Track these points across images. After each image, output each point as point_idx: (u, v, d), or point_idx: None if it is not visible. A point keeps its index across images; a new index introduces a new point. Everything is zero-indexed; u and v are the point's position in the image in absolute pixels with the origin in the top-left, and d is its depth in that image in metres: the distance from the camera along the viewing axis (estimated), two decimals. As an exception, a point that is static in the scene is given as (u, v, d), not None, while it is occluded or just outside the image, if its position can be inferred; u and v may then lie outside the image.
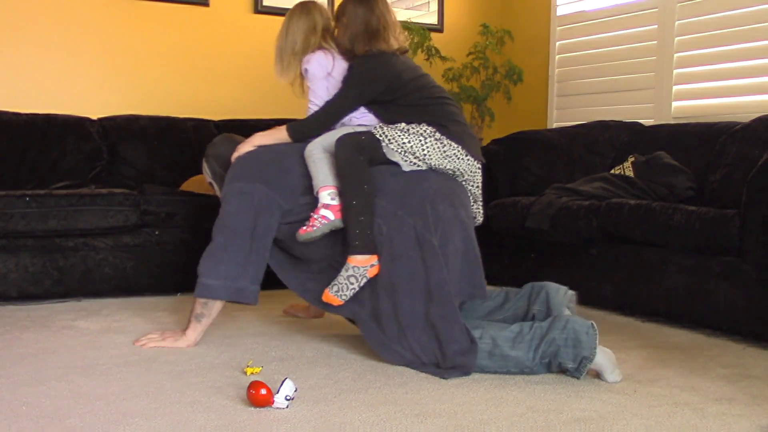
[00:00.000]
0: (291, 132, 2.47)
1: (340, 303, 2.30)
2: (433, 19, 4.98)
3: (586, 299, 3.22)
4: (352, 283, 2.26)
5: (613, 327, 2.85)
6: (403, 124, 2.34)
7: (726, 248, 2.61)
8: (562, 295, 2.33)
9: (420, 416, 1.80)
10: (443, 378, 2.13)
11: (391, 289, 2.25)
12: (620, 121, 4.00)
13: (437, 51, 4.57)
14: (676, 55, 3.98)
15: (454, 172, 2.39)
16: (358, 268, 2.25)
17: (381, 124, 2.38)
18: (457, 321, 2.18)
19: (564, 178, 3.67)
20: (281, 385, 1.85)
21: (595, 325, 2.13)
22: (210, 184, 2.74)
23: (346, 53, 2.49)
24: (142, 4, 4.18)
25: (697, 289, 2.72)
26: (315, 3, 2.62)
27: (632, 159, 3.44)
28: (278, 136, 2.49)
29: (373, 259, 2.26)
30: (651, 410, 1.87)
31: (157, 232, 3.32)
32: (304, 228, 2.34)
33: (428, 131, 2.33)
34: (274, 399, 1.83)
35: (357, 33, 2.42)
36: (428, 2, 4.97)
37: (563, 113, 4.68)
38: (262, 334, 2.65)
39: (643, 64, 4.16)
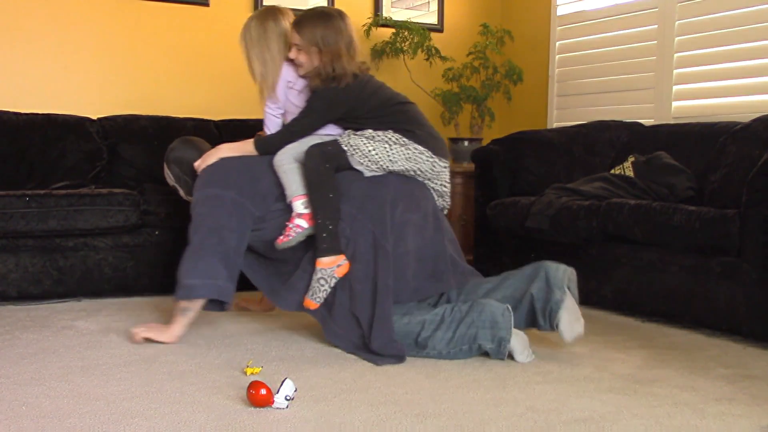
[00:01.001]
0: (258, 146, 2.59)
1: (316, 306, 2.41)
2: (433, 19, 4.98)
3: (586, 299, 3.22)
4: (322, 285, 2.40)
5: (613, 327, 2.85)
6: (370, 131, 2.48)
7: (726, 248, 2.61)
8: (561, 273, 2.39)
9: (420, 416, 1.80)
10: (377, 364, 2.27)
11: (348, 286, 2.41)
12: (620, 121, 4.00)
13: (437, 51, 4.57)
14: (676, 55, 3.98)
15: (416, 172, 2.53)
16: (326, 269, 2.39)
17: (348, 133, 2.52)
18: (390, 322, 2.35)
19: (564, 178, 3.68)
20: (281, 385, 1.85)
21: (510, 308, 2.31)
22: (173, 187, 2.80)
23: (323, 78, 2.49)
24: (142, 4, 4.18)
25: (697, 289, 2.72)
26: (282, 10, 2.69)
27: (632, 159, 3.44)
28: (244, 149, 2.60)
29: (340, 259, 2.40)
30: (651, 410, 1.87)
31: (157, 232, 3.32)
32: (281, 237, 2.47)
33: (394, 138, 2.47)
34: (274, 399, 1.83)
35: (334, 57, 2.48)
36: (428, 2, 4.97)
37: (563, 113, 4.68)
38: (262, 334, 2.65)
39: (643, 64, 4.16)
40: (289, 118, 2.63)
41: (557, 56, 4.70)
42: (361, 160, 2.45)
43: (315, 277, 2.39)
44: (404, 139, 2.47)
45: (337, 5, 4.67)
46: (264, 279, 2.58)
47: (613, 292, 3.05)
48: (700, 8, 3.86)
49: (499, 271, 3.64)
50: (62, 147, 3.68)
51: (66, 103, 3.96)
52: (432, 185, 2.60)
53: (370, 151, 2.44)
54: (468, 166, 4.44)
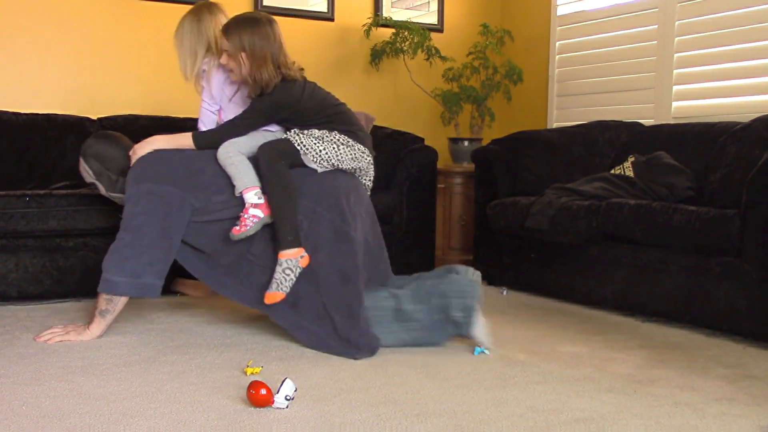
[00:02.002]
0: (197, 141, 2.61)
1: (283, 296, 2.43)
2: (433, 19, 4.98)
3: (586, 299, 3.23)
4: (288, 275, 2.43)
5: (613, 327, 2.85)
6: (317, 132, 2.57)
7: (726, 248, 2.61)
8: (470, 275, 2.56)
9: (420, 416, 1.80)
10: (354, 358, 2.34)
11: (312, 275, 2.47)
12: (620, 121, 4.00)
13: (437, 51, 4.57)
14: (676, 55, 3.98)
15: (356, 170, 2.67)
16: (291, 260, 2.44)
17: (296, 131, 2.58)
18: (362, 301, 2.46)
19: (564, 178, 3.68)
20: (281, 385, 1.85)
21: (479, 275, 2.51)
22: (92, 184, 2.79)
23: (252, 85, 2.54)
24: (142, 4, 4.18)
25: (697, 289, 2.72)
26: (218, 5, 2.77)
27: (632, 159, 3.44)
28: (180, 142, 2.62)
29: (301, 251, 2.45)
30: (651, 410, 1.87)
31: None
32: (237, 228, 2.49)
33: (341, 139, 2.59)
34: (274, 399, 1.83)
35: (262, 63, 2.52)
36: (428, 2, 4.97)
37: (563, 113, 4.68)
38: (262, 334, 2.65)
39: (643, 64, 4.16)
40: (225, 114, 2.68)
41: (557, 56, 4.71)
42: (314, 159, 2.55)
43: (280, 269, 2.43)
44: (351, 141, 2.60)
45: (338, 5, 4.68)
46: (206, 272, 2.60)
47: (613, 292, 3.05)
48: (700, 8, 3.86)
49: (500, 271, 3.66)
50: (62, 147, 3.68)
51: (66, 103, 3.97)
52: (364, 181, 2.74)
53: (320, 151, 2.55)
54: (468, 166, 4.44)
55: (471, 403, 1.91)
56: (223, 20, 2.68)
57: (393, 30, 4.56)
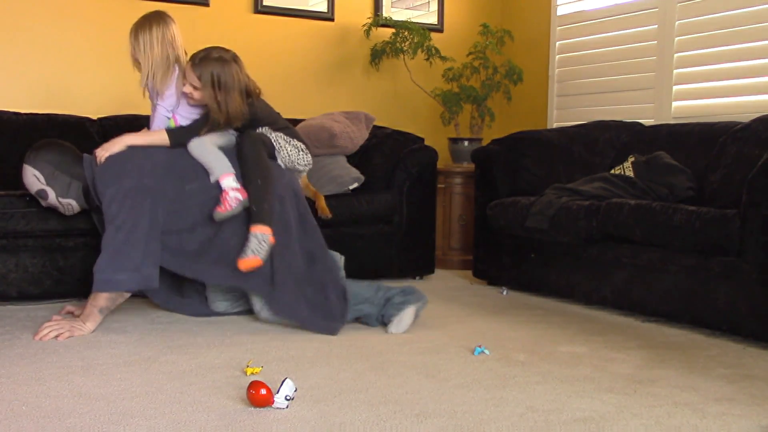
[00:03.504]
0: (172, 137, 2.76)
1: (260, 262, 2.59)
2: (433, 19, 4.98)
3: (586, 299, 3.23)
4: (263, 245, 2.60)
5: (613, 327, 2.85)
6: (283, 135, 2.90)
7: (726, 248, 2.61)
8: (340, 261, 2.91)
9: (420, 416, 1.80)
10: (333, 334, 2.59)
11: (285, 252, 2.69)
12: (620, 121, 4.00)
13: (437, 51, 4.58)
14: (676, 55, 3.98)
15: (297, 173, 3.00)
16: (265, 235, 2.61)
17: (268, 129, 2.88)
18: (332, 278, 2.77)
19: (564, 178, 3.67)
20: (281, 385, 1.85)
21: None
22: (41, 191, 2.82)
23: (228, 114, 2.77)
24: (143, 4, 4.18)
25: (697, 289, 2.72)
26: (168, 14, 2.96)
27: (632, 159, 3.44)
28: (152, 138, 2.77)
29: (270, 231, 2.63)
30: (651, 410, 1.87)
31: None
32: (220, 208, 2.66)
33: (302, 146, 2.95)
34: (274, 399, 1.83)
35: (228, 98, 2.76)
36: (428, 2, 4.97)
37: (563, 113, 4.68)
38: (262, 334, 2.65)
39: (643, 64, 4.16)
40: (179, 120, 2.85)
41: (557, 56, 4.71)
42: (282, 157, 2.88)
43: (255, 240, 2.59)
44: (307, 151, 2.97)
45: (338, 5, 4.68)
46: (170, 261, 2.71)
47: (613, 292, 3.05)
48: (700, 8, 3.86)
49: (500, 271, 3.66)
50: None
51: (66, 103, 3.97)
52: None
53: (289, 152, 2.89)
54: (468, 166, 4.44)
55: (471, 403, 1.91)
56: (176, 29, 2.89)
57: (393, 30, 4.56)
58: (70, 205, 2.88)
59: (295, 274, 2.71)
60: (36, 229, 3.06)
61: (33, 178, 2.82)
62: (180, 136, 2.77)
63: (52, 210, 3.05)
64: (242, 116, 2.77)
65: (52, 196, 2.84)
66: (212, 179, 2.71)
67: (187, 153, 2.76)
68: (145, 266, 2.60)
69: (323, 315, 2.68)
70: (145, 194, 2.63)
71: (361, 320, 2.79)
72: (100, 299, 2.63)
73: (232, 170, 2.72)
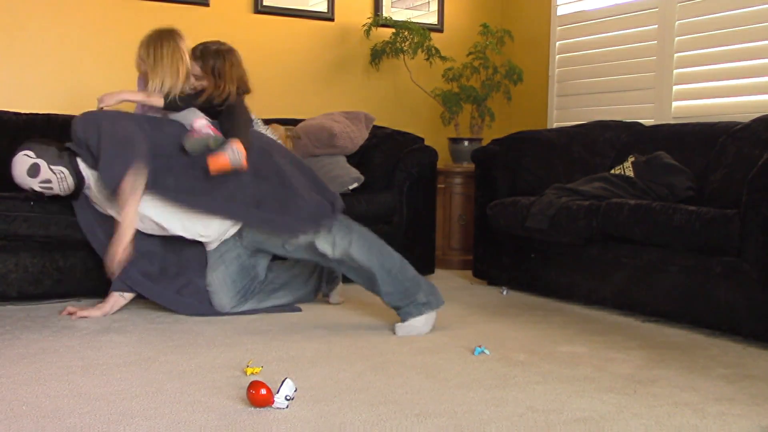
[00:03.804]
0: (167, 101, 2.89)
1: (229, 165, 2.71)
2: (433, 19, 4.98)
3: (586, 299, 3.23)
4: (236, 156, 2.72)
5: (613, 327, 2.85)
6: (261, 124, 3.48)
7: (726, 248, 2.61)
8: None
9: (420, 416, 1.80)
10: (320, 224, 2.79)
11: (262, 179, 2.84)
12: (620, 121, 4.00)
13: (437, 51, 4.57)
14: (676, 55, 3.98)
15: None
16: (240, 152, 2.73)
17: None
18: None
19: (564, 178, 3.67)
20: (281, 385, 1.85)
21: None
22: (34, 165, 2.82)
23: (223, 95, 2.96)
24: (142, 4, 4.18)
25: (697, 289, 2.72)
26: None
27: (632, 159, 3.44)
28: (147, 99, 2.91)
29: (245, 152, 2.75)
30: (651, 410, 1.87)
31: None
32: (193, 133, 2.78)
33: (271, 132, 3.45)
34: (274, 399, 1.83)
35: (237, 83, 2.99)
36: (428, 2, 4.97)
37: (563, 113, 4.68)
38: (262, 334, 2.65)
39: (643, 64, 4.16)
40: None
41: (557, 56, 4.71)
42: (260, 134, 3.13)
43: (230, 150, 2.71)
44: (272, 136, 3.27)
45: (338, 5, 4.68)
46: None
47: (613, 292, 3.05)
48: (700, 8, 3.86)
49: (500, 271, 3.66)
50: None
51: (66, 103, 3.96)
52: None
53: (265, 131, 3.37)
54: (468, 166, 4.44)
55: (471, 403, 1.91)
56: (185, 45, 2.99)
57: (393, 30, 4.56)
58: (62, 173, 2.83)
59: (278, 196, 2.84)
60: (37, 234, 3.06)
61: (23, 157, 2.82)
62: (174, 102, 2.87)
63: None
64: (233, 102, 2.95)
65: (44, 167, 2.81)
66: (190, 124, 2.84)
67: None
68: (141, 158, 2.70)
69: (307, 214, 2.80)
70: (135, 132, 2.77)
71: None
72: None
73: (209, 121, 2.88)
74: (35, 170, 2.83)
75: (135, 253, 2.81)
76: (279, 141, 3.43)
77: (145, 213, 2.81)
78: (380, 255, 2.80)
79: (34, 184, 2.84)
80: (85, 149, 2.81)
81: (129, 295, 2.94)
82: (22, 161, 2.83)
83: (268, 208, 2.81)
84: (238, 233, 2.92)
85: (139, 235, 2.84)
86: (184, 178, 2.79)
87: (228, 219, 2.86)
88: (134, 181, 2.68)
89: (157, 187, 2.75)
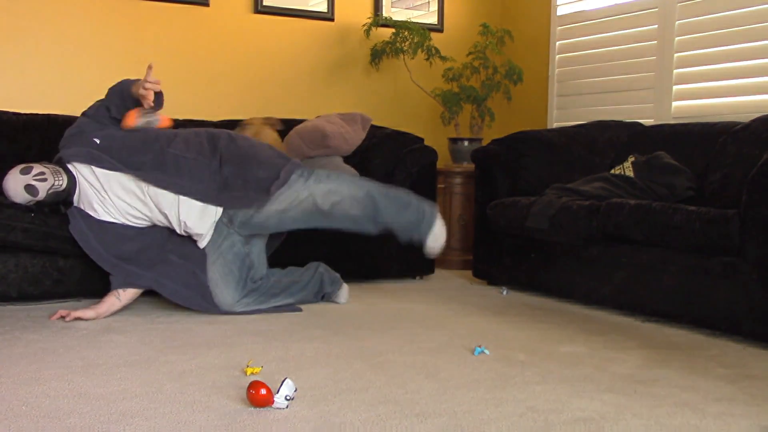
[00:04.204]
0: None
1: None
2: (433, 19, 4.98)
3: (586, 299, 3.23)
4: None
5: (613, 327, 2.85)
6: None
7: (726, 248, 2.61)
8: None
9: (420, 416, 1.80)
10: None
11: (228, 161, 2.95)
12: (620, 121, 4.00)
13: (437, 51, 4.58)
14: (676, 55, 3.98)
15: None
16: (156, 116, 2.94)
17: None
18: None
19: (564, 178, 3.68)
20: (281, 385, 1.85)
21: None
22: (27, 167, 2.88)
23: None
24: (142, 4, 4.18)
25: (697, 289, 2.72)
26: None
27: (632, 159, 3.44)
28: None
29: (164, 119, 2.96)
30: (651, 410, 1.87)
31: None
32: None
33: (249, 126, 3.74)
34: (274, 399, 1.83)
35: None
36: (428, 2, 4.97)
37: (563, 113, 4.68)
38: (262, 334, 2.65)
39: (643, 64, 4.16)
40: None
41: (557, 56, 4.71)
42: None
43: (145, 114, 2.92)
44: None
45: (338, 5, 4.68)
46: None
47: (613, 292, 3.05)
48: (700, 8, 3.86)
49: (500, 271, 3.66)
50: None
51: (66, 103, 3.96)
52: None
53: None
54: (468, 166, 4.44)
55: (471, 403, 1.91)
56: None
57: (393, 30, 4.56)
58: (56, 167, 2.90)
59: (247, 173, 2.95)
60: (35, 244, 3.05)
61: (16, 170, 2.88)
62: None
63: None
64: None
65: (36, 165, 2.89)
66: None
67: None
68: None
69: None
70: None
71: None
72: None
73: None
74: (28, 168, 2.88)
75: (136, 248, 2.94)
76: (256, 134, 3.61)
77: (131, 187, 2.89)
78: (362, 183, 2.98)
79: (29, 180, 2.85)
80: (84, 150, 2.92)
81: (125, 298, 2.94)
82: (14, 168, 2.90)
83: (234, 187, 2.91)
84: (228, 220, 2.94)
85: (137, 230, 2.91)
86: (157, 160, 2.90)
87: (196, 199, 2.90)
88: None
89: (132, 163, 2.88)
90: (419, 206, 3.00)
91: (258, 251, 3.06)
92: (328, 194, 2.90)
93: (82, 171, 2.92)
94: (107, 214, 2.92)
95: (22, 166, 2.90)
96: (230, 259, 2.96)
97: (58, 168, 2.91)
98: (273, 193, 2.89)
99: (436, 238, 2.99)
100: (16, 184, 2.86)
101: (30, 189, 2.85)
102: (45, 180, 2.87)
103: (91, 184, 2.91)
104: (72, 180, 2.91)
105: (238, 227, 2.96)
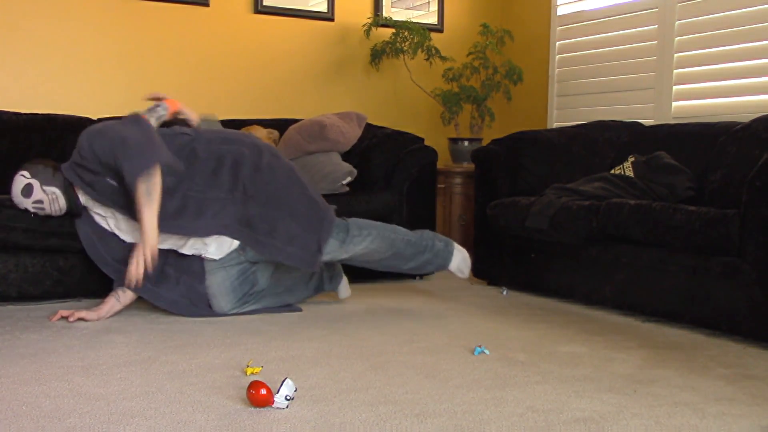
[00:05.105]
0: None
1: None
2: (433, 19, 4.98)
3: (586, 299, 3.23)
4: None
5: (613, 327, 2.85)
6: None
7: (726, 248, 2.61)
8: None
9: (420, 416, 1.80)
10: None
11: (254, 197, 2.84)
12: (620, 121, 4.00)
13: (437, 51, 4.58)
14: (676, 55, 3.98)
15: None
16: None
17: None
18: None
19: (564, 178, 3.68)
20: (281, 385, 1.85)
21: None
22: (27, 185, 2.87)
23: None
24: (142, 4, 4.18)
25: (697, 289, 2.72)
26: None
27: (632, 159, 3.44)
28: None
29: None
30: (651, 410, 1.87)
31: (157, 232, 3.31)
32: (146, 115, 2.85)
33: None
34: (274, 399, 1.83)
35: None
36: (428, 2, 4.97)
37: (563, 113, 4.68)
38: (262, 334, 2.65)
39: (643, 64, 4.16)
40: None
41: (557, 56, 4.71)
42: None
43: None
44: None
45: (338, 5, 4.68)
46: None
47: (613, 292, 3.05)
48: (700, 8, 3.86)
49: (500, 271, 3.66)
50: (62, 147, 3.67)
51: (66, 103, 3.97)
52: None
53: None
54: (468, 166, 4.44)
55: (471, 403, 1.91)
56: None
57: (393, 30, 4.56)
58: (54, 194, 2.87)
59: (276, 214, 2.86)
60: (35, 244, 3.05)
61: (20, 177, 2.88)
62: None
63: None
64: None
65: (37, 188, 2.86)
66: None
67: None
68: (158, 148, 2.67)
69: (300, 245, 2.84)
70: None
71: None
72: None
73: None
74: (29, 191, 2.87)
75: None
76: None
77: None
78: (390, 235, 2.98)
79: (28, 205, 2.90)
80: (94, 162, 2.75)
81: (125, 300, 2.92)
82: (18, 181, 2.89)
83: (259, 230, 2.82)
84: (242, 248, 2.91)
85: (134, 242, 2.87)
86: (177, 206, 2.79)
87: (225, 235, 2.83)
88: (151, 183, 2.64)
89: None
90: (435, 248, 3.07)
91: (263, 267, 3.03)
92: (359, 253, 2.94)
93: (93, 207, 2.91)
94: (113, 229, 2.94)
95: (25, 182, 2.88)
96: (234, 274, 2.94)
97: (56, 193, 2.87)
98: (317, 264, 2.85)
99: (458, 270, 3.14)
100: (18, 201, 2.91)
101: (30, 211, 2.93)
102: (42, 209, 2.92)
103: (102, 216, 2.92)
104: (73, 202, 2.90)
105: (248, 256, 2.94)
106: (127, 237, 2.90)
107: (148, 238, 2.65)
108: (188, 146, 2.87)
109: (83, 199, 2.91)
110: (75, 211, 2.93)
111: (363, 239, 2.91)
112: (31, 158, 3.12)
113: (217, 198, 2.81)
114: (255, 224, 2.82)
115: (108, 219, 2.91)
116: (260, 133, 3.87)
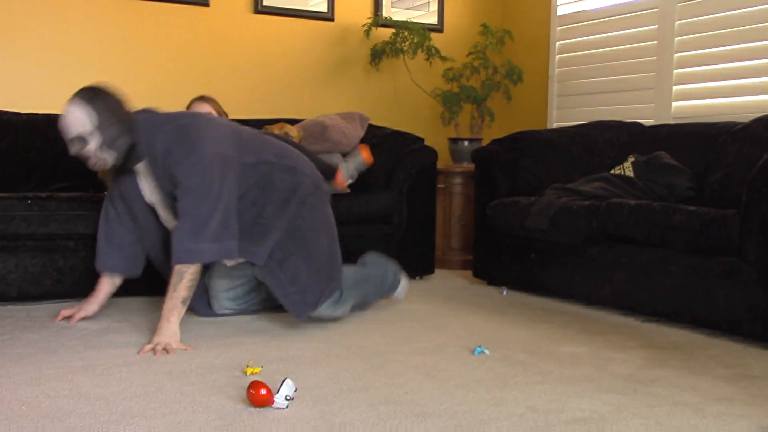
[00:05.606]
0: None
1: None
2: (433, 19, 4.98)
3: (586, 299, 3.23)
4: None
5: (613, 327, 2.85)
6: None
7: (726, 248, 2.61)
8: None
9: (420, 416, 1.80)
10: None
11: (292, 235, 2.71)
12: (620, 121, 4.00)
13: (437, 51, 4.58)
14: (676, 55, 3.98)
15: None
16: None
17: None
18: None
19: (564, 178, 3.68)
20: (281, 385, 1.85)
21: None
22: (81, 137, 2.49)
23: None
24: (142, 4, 4.18)
25: (697, 289, 2.72)
26: None
27: (632, 159, 3.44)
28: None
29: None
30: (651, 410, 1.87)
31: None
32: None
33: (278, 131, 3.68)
34: (274, 399, 1.83)
35: None
36: (428, 2, 4.97)
37: (563, 113, 4.68)
38: (262, 334, 2.65)
39: (643, 64, 4.16)
40: None
41: (557, 56, 4.71)
42: None
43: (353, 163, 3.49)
44: None
45: (338, 5, 4.68)
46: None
47: (613, 292, 3.05)
48: (700, 8, 3.86)
49: (500, 271, 3.66)
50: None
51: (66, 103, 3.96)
52: None
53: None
54: (468, 166, 4.44)
55: (471, 403, 1.91)
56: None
57: (393, 30, 4.56)
58: (105, 160, 2.56)
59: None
60: (36, 232, 3.06)
61: (80, 114, 2.50)
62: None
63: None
64: None
65: (92, 145, 2.51)
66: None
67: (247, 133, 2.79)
68: (225, 237, 2.51)
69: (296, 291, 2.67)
70: (227, 163, 2.56)
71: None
72: (179, 289, 2.47)
73: None
74: (82, 143, 2.52)
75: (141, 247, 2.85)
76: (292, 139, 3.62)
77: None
78: (365, 287, 3.04)
79: (69, 148, 2.57)
80: (169, 178, 2.56)
81: (119, 280, 2.84)
82: (77, 122, 2.51)
83: (274, 257, 2.66)
84: (251, 263, 2.77)
85: (148, 229, 2.79)
86: (245, 229, 2.68)
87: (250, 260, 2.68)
88: (186, 277, 2.48)
89: None
90: (389, 276, 3.19)
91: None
92: (338, 315, 2.87)
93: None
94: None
95: (80, 130, 2.52)
96: (238, 283, 2.93)
97: (107, 158, 2.56)
98: (304, 315, 2.69)
99: (401, 293, 3.28)
100: (69, 132, 2.56)
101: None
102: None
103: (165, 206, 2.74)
104: (129, 156, 2.60)
105: (255, 272, 2.82)
106: (160, 211, 2.73)
107: (164, 339, 2.41)
108: (267, 176, 2.72)
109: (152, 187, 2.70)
110: (125, 169, 2.65)
111: (348, 305, 2.87)
112: (28, 160, 3.03)
113: (280, 228, 2.69)
114: (274, 252, 2.69)
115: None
116: (292, 131, 3.87)
